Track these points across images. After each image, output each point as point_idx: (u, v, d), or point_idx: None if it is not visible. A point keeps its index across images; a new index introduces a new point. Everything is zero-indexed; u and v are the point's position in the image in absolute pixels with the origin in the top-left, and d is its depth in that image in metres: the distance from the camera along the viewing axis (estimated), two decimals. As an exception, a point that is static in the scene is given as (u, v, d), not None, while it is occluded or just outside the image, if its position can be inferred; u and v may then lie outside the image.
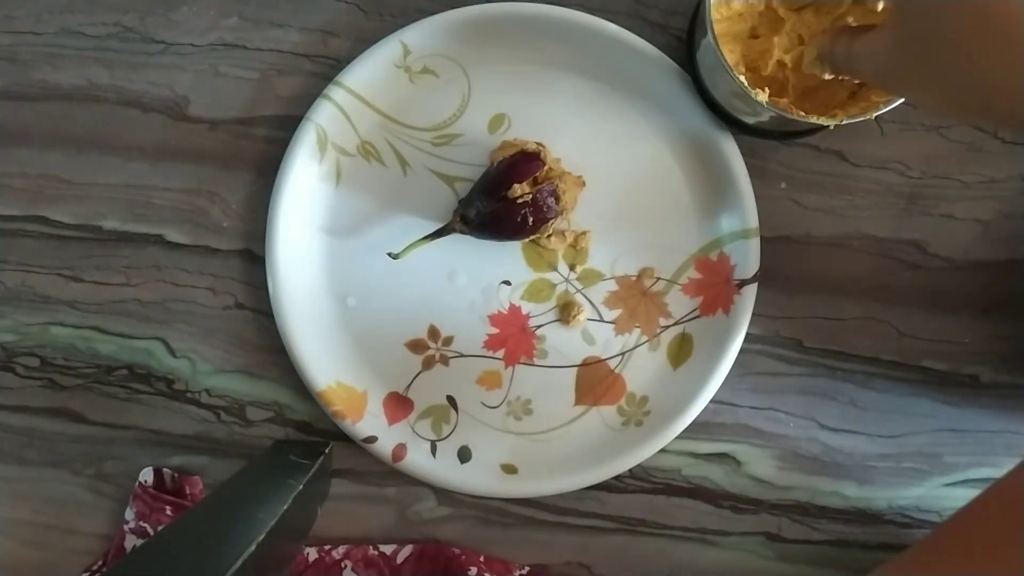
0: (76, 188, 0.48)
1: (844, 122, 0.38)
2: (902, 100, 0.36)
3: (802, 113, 0.38)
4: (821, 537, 0.46)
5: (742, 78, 0.38)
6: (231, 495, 0.35)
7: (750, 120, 0.43)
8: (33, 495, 0.48)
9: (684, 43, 0.46)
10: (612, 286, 0.46)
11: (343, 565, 0.45)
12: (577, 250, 0.46)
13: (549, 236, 0.44)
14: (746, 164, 0.45)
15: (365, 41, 0.45)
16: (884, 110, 0.37)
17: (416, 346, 0.46)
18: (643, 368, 0.46)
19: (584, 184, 0.44)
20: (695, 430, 0.45)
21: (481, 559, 0.46)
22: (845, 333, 0.46)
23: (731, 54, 0.39)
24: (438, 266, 0.46)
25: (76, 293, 0.48)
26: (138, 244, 0.48)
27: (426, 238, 0.44)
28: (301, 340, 0.45)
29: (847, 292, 0.46)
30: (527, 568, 0.46)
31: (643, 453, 0.44)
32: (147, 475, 0.46)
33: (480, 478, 0.45)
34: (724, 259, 0.45)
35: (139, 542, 0.46)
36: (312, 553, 0.46)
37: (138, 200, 0.48)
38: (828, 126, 0.38)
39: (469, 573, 0.44)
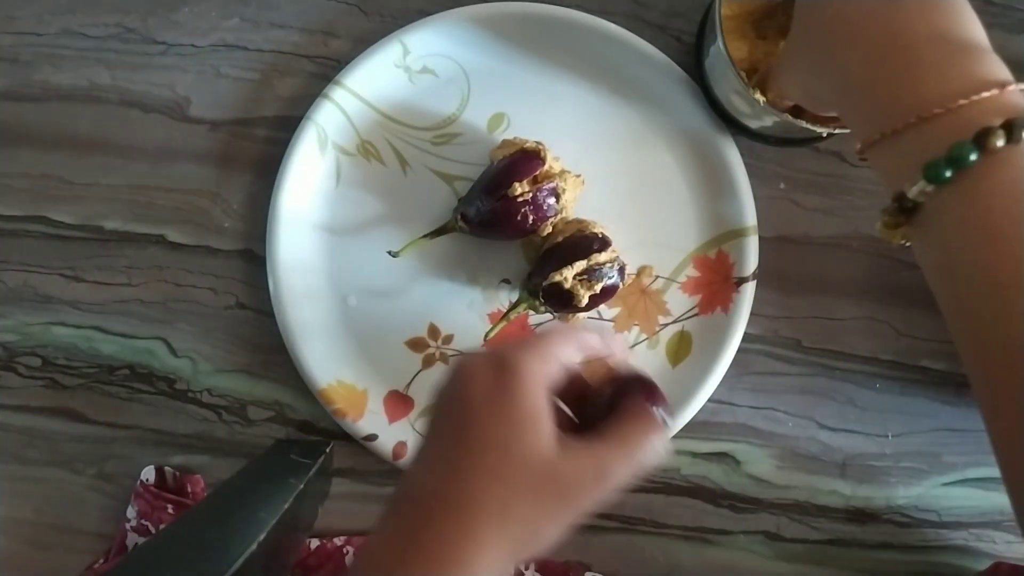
0: (78, 188, 0.48)
1: (836, 131, 0.38)
2: None
3: (790, 116, 0.38)
4: (820, 536, 0.46)
5: (743, 76, 0.38)
6: (232, 494, 0.35)
7: (753, 124, 0.43)
8: (35, 494, 0.48)
9: (686, 43, 0.46)
10: (611, 285, 0.46)
11: (345, 551, 0.46)
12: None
13: (548, 235, 0.44)
14: (745, 164, 0.45)
15: (365, 42, 0.46)
16: None
17: (416, 344, 0.46)
18: (642, 366, 0.45)
19: (584, 183, 0.45)
20: (694, 429, 0.45)
21: None
22: (844, 333, 0.47)
23: (737, 51, 0.40)
24: (438, 265, 0.46)
25: (78, 293, 0.48)
26: (140, 244, 0.48)
27: (426, 236, 0.44)
28: (302, 339, 0.45)
29: (846, 292, 0.47)
30: None
31: (642, 452, 0.44)
32: (148, 474, 0.46)
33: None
34: (723, 257, 0.46)
35: (141, 540, 0.46)
36: (314, 541, 0.46)
37: (139, 200, 0.48)
38: (823, 135, 0.38)
39: None
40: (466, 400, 0.29)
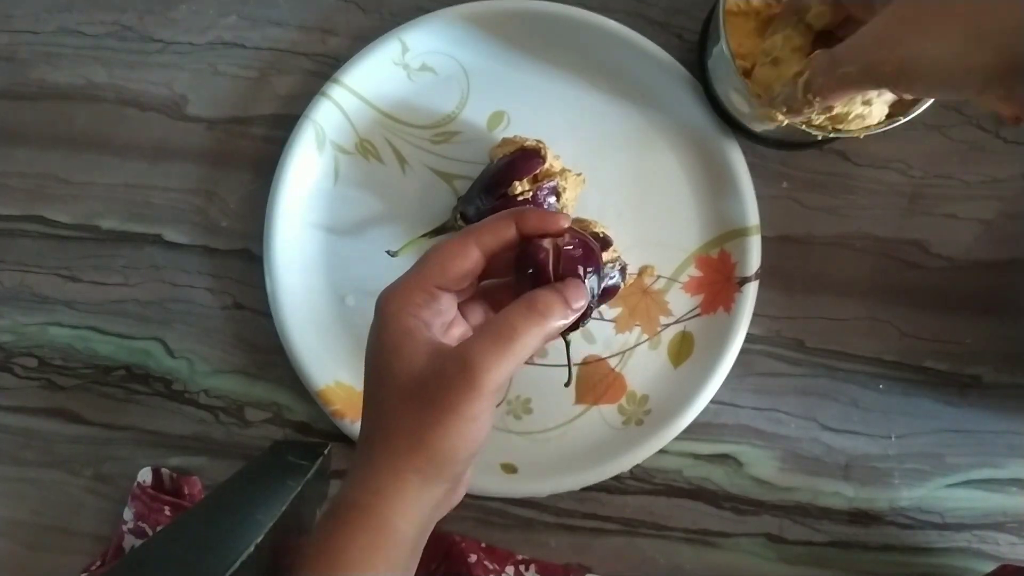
0: (74, 188, 0.48)
1: (841, 135, 0.38)
2: (902, 121, 0.37)
3: (788, 115, 0.38)
4: (822, 539, 0.46)
5: (746, 81, 0.38)
6: (230, 496, 0.34)
7: (756, 128, 0.42)
8: (31, 496, 0.48)
9: (688, 40, 0.46)
10: (612, 285, 0.46)
11: None
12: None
13: None
14: (747, 163, 0.44)
15: (364, 39, 0.45)
16: (883, 128, 0.37)
17: (415, 346, 0.46)
18: (644, 367, 0.46)
19: (584, 181, 0.44)
20: (696, 431, 0.45)
21: (482, 545, 0.45)
22: (846, 333, 0.46)
23: (739, 47, 0.39)
24: (437, 265, 0.46)
25: (74, 293, 0.47)
26: (136, 244, 0.47)
27: (425, 236, 0.44)
28: (300, 340, 0.45)
29: (849, 292, 0.46)
30: (526, 556, 0.46)
31: (644, 452, 0.44)
32: (146, 475, 0.46)
33: (480, 477, 0.44)
34: (725, 256, 0.45)
35: (138, 542, 0.46)
36: None
37: (136, 200, 0.48)
38: (820, 137, 0.38)
39: (470, 560, 0.44)
40: (366, 349, 0.32)
